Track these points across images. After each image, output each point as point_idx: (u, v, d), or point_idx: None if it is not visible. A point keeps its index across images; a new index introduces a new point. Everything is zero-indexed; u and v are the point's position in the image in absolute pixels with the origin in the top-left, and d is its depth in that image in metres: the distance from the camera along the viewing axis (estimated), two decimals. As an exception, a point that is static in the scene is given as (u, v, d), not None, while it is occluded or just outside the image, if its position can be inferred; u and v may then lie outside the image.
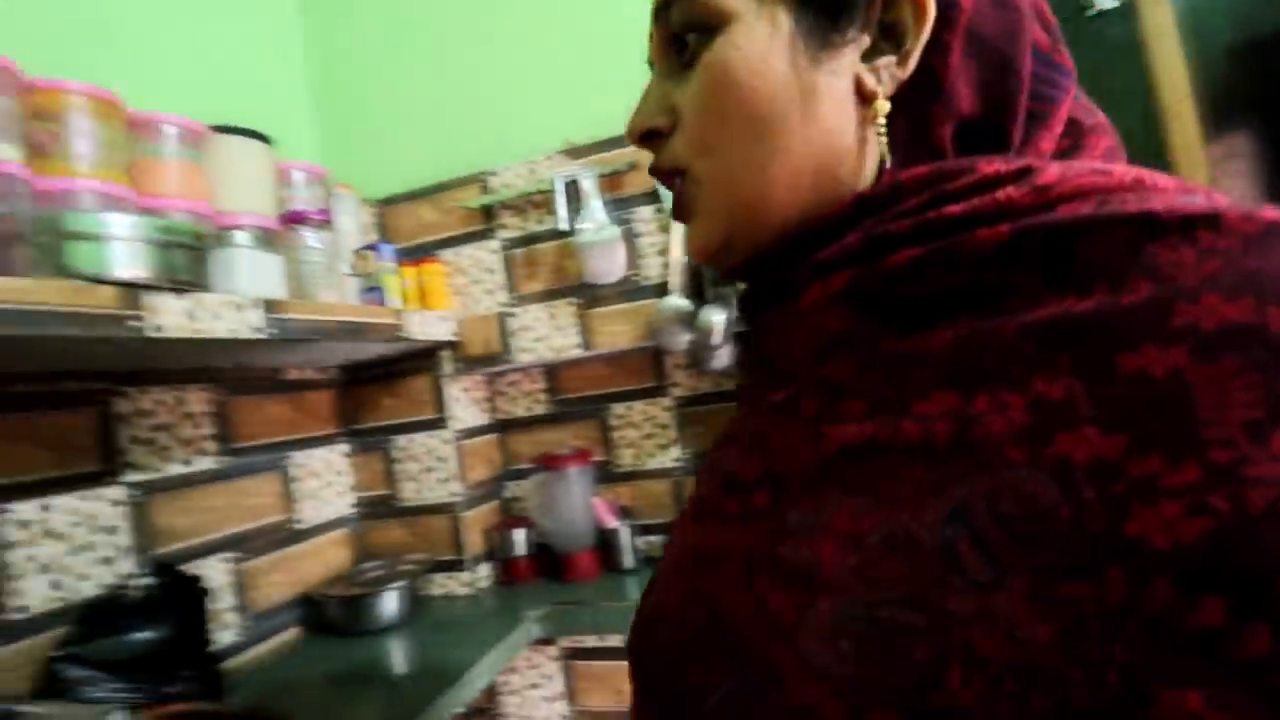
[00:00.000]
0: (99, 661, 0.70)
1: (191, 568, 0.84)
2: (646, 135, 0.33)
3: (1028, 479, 0.19)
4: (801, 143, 0.29)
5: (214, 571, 0.88)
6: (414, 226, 1.15)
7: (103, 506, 0.78)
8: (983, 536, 0.19)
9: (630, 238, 1.04)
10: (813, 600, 0.22)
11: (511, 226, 1.11)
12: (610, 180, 1.05)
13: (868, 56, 0.29)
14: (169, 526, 0.85)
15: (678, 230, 0.84)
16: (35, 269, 0.60)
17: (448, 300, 1.09)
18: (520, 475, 1.17)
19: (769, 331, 0.32)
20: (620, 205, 1.05)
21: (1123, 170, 0.25)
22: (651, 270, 1.03)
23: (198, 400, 0.91)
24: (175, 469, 0.86)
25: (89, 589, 0.76)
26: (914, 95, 0.29)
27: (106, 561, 0.78)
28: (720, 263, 0.33)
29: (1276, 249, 0.19)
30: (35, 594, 0.72)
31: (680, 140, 0.32)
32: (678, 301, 0.92)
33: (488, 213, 1.11)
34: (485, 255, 1.11)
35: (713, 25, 0.29)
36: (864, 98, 0.29)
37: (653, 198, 1.04)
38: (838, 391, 0.27)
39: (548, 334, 1.03)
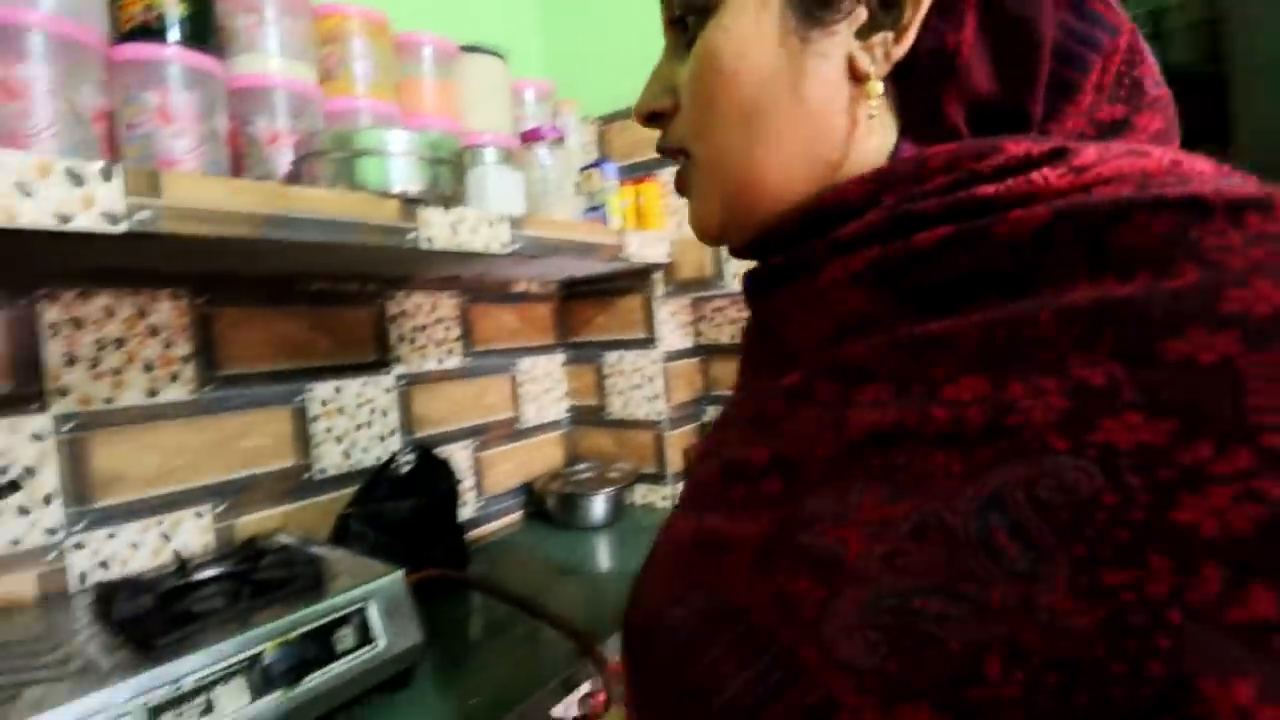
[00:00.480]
0: (374, 521, 0.83)
1: (442, 451, 0.96)
2: (651, 116, 0.33)
3: (1070, 466, 0.18)
4: (790, 127, 0.28)
5: (459, 456, 1.01)
6: (632, 144, 1.14)
7: (379, 392, 0.91)
8: (1021, 525, 0.19)
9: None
10: (838, 589, 0.21)
11: (733, 143, 1.06)
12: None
13: (863, 33, 0.27)
14: (425, 414, 0.97)
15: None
16: (330, 182, 0.68)
17: (663, 221, 1.09)
18: (718, 401, 1.17)
19: (776, 312, 0.31)
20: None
21: (1160, 152, 0.23)
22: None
23: (447, 306, 1.01)
24: (430, 365, 0.98)
25: (369, 460, 0.90)
26: (924, 71, 0.27)
27: (382, 439, 0.92)
28: (720, 243, 0.33)
29: None
30: (330, 459, 0.87)
31: (681, 121, 0.32)
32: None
33: (709, 128, 1.06)
34: (704, 173, 1.07)
35: (708, 6, 0.29)
36: (857, 78, 0.28)
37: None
38: (858, 374, 0.25)
39: (765, 259, 0.98)
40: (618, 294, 1.12)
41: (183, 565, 0.68)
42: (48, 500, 0.64)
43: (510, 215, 0.76)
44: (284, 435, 0.82)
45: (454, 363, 1.01)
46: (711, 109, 0.30)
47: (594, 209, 1.00)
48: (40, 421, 0.64)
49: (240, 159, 0.72)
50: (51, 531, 0.65)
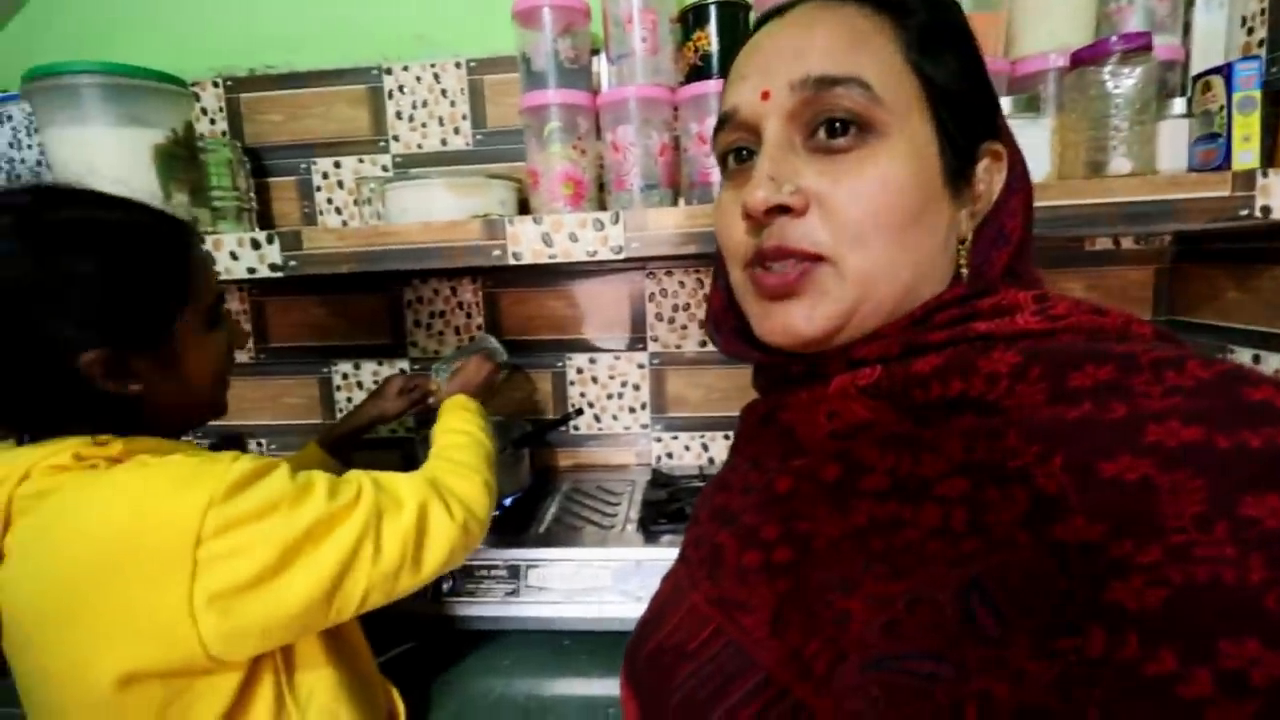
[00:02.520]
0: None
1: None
2: (777, 209, 0.34)
3: (1032, 558, 0.23)
4: (927, 258, 0.34)
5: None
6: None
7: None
8: (995, 603, 0.23)
9: None
10: (845, 651, 0.25)
11: None
12: None
13: (959, 202, 0.35)
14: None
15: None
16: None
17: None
18: None
19: (787, 405, 0.36)
20: None
21: (1117, 312, 0.30)
22: None
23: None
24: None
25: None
26: (986, 238, 0.36)
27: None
28: (807, 348, 0.35)
29: (1225, 391, 0.23)
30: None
31: (823, 227, 0.32)
32: None
33: None
34: None
35: (875, 128, 0.32)
36: (953, 233, 0.35)
37: None
38: (860, 466, 0.30)
39: None
40: (1265, 259, 0.72)
41: (700, 471, 0.94)
42: (644, 406, 1.00)
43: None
44: (793, 388, 0.96)
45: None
46: (882, 226, 0.32)
47: (1209, 137, 0.66)
48: (642, 356, 0.99)
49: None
50: (644, 426, 1.01)
